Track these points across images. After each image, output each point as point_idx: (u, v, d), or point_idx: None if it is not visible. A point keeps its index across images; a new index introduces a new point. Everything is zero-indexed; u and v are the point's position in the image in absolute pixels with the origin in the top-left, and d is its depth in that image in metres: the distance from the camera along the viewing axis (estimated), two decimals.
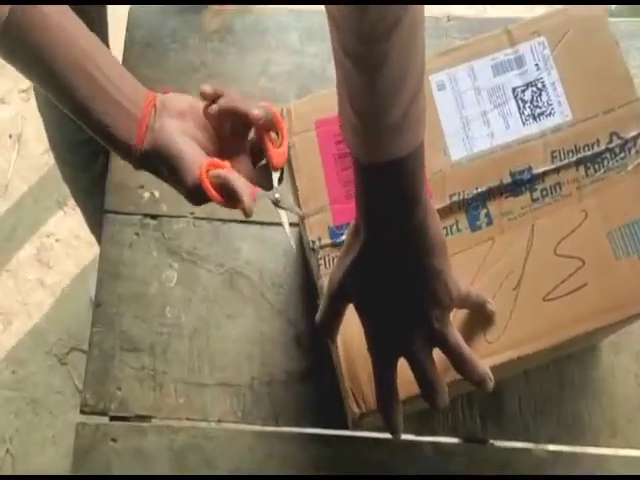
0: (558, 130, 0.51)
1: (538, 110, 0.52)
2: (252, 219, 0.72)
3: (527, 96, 0.52)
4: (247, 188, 0.46)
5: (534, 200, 0.50)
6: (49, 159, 1.35)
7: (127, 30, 0.80)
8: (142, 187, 0.73)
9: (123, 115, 0.46)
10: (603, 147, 0.51)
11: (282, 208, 0.50)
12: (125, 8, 0.80)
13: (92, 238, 1.17)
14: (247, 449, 0.66)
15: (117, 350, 0.68)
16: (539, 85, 0.52)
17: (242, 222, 0.72)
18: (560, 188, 0.50)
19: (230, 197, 0.46)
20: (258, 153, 0.51)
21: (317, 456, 0.66)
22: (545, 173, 0.51)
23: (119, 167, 0.74)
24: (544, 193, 0.50)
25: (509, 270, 0.49)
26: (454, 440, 0.66)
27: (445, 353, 0.44)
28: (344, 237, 0.48)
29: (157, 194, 0.73)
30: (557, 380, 0.67)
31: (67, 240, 1.31)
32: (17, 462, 1.19)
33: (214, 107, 0.47)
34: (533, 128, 0.51)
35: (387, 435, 0.65)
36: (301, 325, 0.69)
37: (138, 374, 0.67)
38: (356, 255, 0.42)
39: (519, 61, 0.53)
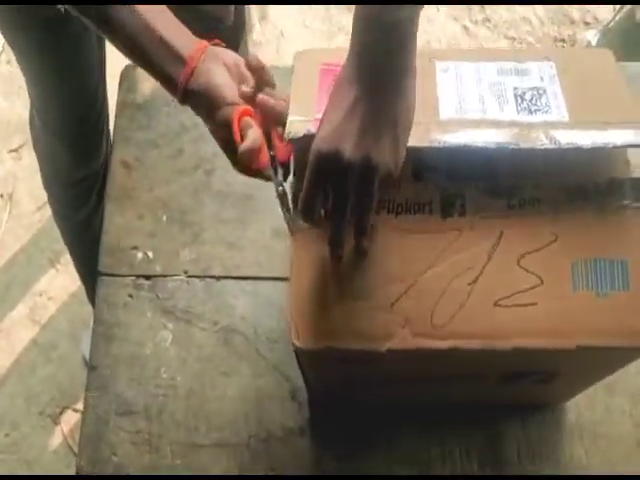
0: (553, 127, 0.50)
1: (535, 107, 0.51)
2: (246, 275, 0.74)
3: (527, 96, 0.52)
4: (261, 145, 0.51)
5: (510, 207, 0.50)
6: (41, 217, 1.36)
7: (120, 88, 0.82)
8: (136, 248, 0.74)
9: (172, 55, 0.52)
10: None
11: (284, 206, 0.50)
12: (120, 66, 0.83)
13: (84, 295, 1.17)
14: None
15: (112, 414, 0.67)
16: (540, 91, 0.52)
17: (236, 278, 0.73)
18: (538, 204, 0.50)
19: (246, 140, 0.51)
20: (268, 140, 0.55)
21: None
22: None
23: (113, 229, 0.75)
24: (522, 203, 0.50)
25: (469, 265, 0.49)
26: None
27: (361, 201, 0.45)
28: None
29: (150, 254, 0.74)
30: (554, 423, 0.68)
31: (60, 298, 1.31)
32: None
33: (260, 97, 0.53)
34: (527, 119, 0.50)
35: None
36: (297, 380, 0.68)
37: (133, 438, 0.67)
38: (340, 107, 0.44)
39: (524, 72, 0.53)
